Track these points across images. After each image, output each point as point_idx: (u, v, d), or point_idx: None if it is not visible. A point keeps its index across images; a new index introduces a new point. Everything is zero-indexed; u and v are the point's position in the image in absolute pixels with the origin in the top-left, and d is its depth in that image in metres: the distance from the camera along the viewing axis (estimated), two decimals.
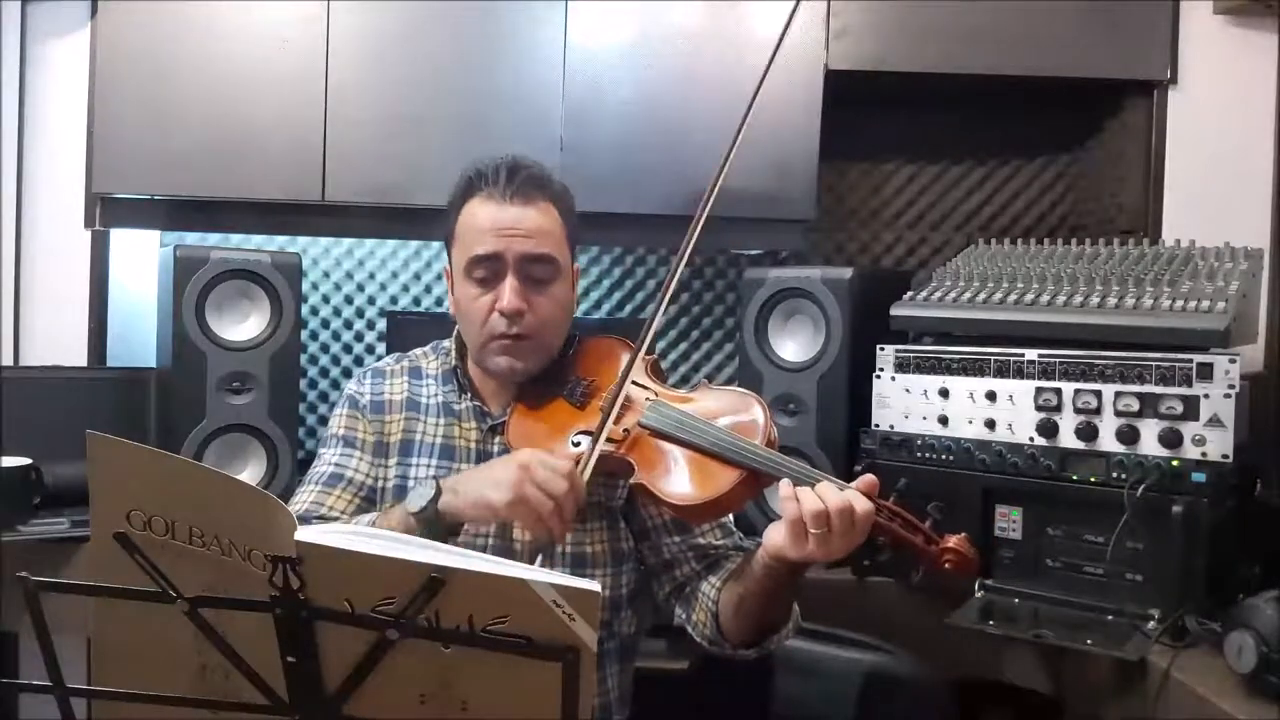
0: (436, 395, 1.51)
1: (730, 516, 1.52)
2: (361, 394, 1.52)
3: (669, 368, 2.65)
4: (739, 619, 1.36)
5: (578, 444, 1.37)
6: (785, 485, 1.23)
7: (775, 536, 1.23)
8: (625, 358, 1.47)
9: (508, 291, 1.40)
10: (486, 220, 1.42)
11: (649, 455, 1.34)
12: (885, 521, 1.25)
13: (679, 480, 1.31)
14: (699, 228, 1.41)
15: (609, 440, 1.34)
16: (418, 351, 1.59)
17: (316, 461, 1.51)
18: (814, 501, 1.19)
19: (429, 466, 1.46)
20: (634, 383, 1.41)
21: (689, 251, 1.41)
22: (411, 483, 1.44)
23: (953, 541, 1.26)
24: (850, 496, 1.20)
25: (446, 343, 1.56)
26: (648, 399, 1.39)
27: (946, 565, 1.25)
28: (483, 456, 1.46)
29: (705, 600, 1.42)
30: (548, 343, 1.46)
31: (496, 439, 1.47)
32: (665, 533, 1.47)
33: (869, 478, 1.24)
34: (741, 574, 1.36)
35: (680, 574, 1.47)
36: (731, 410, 1.37)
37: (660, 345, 2.58)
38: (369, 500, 1.46)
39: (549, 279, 1.44)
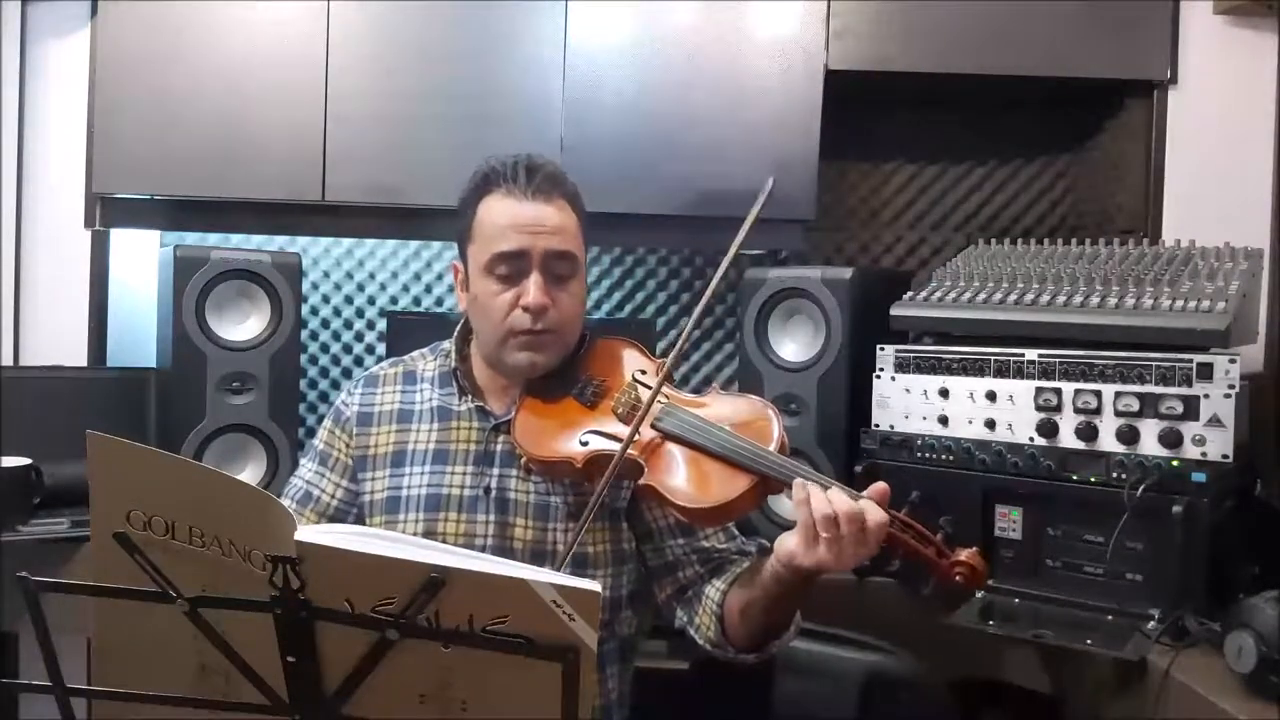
0: (431, 399, 1.51)
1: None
2: (349, 405, 1.53)
3: None
4: (744, 623, 1.36)
5: (585, 443, 1.38)
6: (799, 487, 1.23)
7: (788, 542, 1.23)
8: (636, 358, 1.48)
9: (533, 288, 1.40)
10: (508, 217, 1.42)
11: (660, 458, 1.34)
12: (898, 533, 1.25)
13: (689, 484, 1.31)
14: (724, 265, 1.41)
15: (619, 441, 1.34)
16: (415, 354, 1.59)
17: (299, 468, 1.55)
18: (824, 505, 1.19)
19: (422, 474, 1.46)
20: (646, 385, 1.41)
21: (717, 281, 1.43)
22: (404, 492, 1.46)
23: (964, 555, 1.26)
24: (863, 505, 1.20)
25: (446, 344, 1.56)
26: (660, 402, 1.38)
27: (958, 579, 1.25)
28: (483, 457, 1.46)
29: (709, 603, 1.41)
30: (567, 338, 1.47)
31: (501, 438, 1.46)
32: (669, 535, 1.47)
33: (881, 486, 1.24)
34: (751, 579, 1.35)
35: (683, 576, 1.47)
36: (745, 416, 1.37)
37: (661, 345, 2.58)
38: (333, 521, 1.49)
39: (570, 275, 1.44)
